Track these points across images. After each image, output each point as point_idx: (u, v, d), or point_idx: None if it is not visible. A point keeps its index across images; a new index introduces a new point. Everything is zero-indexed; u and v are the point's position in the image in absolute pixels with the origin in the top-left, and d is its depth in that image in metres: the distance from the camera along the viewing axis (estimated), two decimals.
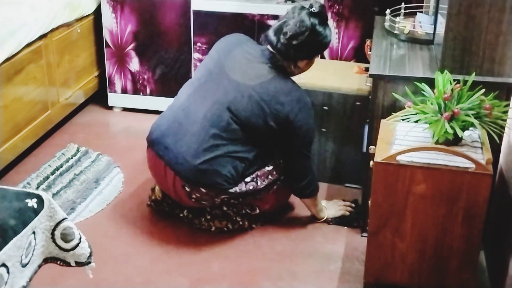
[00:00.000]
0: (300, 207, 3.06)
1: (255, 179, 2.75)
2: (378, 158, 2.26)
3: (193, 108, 2.72)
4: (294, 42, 2.64)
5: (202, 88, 2.75)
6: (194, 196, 2.72)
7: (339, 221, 2.95)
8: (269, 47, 2.72)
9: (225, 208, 2.84)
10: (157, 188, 2.96)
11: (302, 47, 2.65)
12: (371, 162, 2.30)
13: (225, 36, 2.95)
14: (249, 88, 2.65)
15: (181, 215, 2.90)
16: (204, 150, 2.64)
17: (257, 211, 2.88)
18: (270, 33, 2.71)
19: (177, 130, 2.71)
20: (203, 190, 2.68)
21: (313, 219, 2.96)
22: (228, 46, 2.84)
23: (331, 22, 3.62)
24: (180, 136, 2.69)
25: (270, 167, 2.79)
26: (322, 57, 3.67)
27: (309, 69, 2.80)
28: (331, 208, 2.98)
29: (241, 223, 2.86)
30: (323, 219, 2.94)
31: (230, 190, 2.70)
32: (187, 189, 2.70)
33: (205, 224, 2.86)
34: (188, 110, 2.73)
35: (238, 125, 2.65)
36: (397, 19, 3.02)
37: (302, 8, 2.67)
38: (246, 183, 2.74)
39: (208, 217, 2.85)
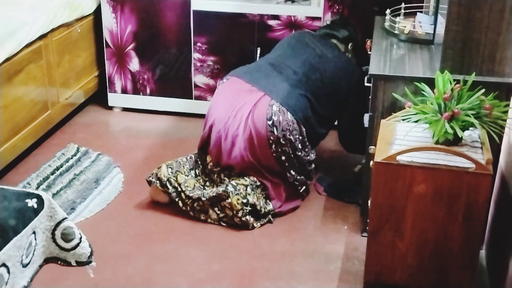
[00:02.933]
0: (300, 208, 3.07)
1: (310, 150, 3.04)
2: (378, 158, 2.26)
3: (285, 60, 3.10)
4: (343, 25, 3.35)
5: (289, 51, 3.15)
6: (275, 118, 2.87)
7: (333, 193, 3.16)
8: (332, 40, 3.27)
9: (248, 190, 2.89)
10: (163, 167, 3.00)
11: (349, 30, 3.34)
12: (371, 162, 2.30)
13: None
14: (327, 55, 3.13)
15: (184, 203, 2.94)
16: (300, 87, 2.99)
17: (270, 205, 2.95)
18: (329, 28, 3.32)
19: (269, 70, 3.06)
20: (289, 116, 2.90)
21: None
22: (300, 34, 3.31)
23: None
24: (273, 73, 3.03)
25: (313, 156, 3.08)
26: None
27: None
28: None
29: (248, 217, 2.87)
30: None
31: (302, 135, 2.95)
32: (273, 108, 2.89)
33: (223, 193, 2.88)
34: (278, 61, 3.10)
35: (321, 83, 3.03)
36: (397, 19, 3.02)
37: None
38: (308, 144, 3.03)
39: (231, 189, 2.87)
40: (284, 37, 3.37)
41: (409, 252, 2.34)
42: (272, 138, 2.89)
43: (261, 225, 2.92)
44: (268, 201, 2.97)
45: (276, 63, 3.10)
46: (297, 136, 2.94)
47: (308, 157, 3.04)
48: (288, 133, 2.90)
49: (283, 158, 2.94)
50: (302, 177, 3.04)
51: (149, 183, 3.04)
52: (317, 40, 3.21)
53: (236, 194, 2.87)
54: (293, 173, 3.00)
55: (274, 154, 2.92)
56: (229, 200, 2.86)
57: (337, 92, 3.09)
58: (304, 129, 2.97)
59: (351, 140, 3.23)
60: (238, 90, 3.00)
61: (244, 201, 2.87)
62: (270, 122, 2.87)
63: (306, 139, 3.00)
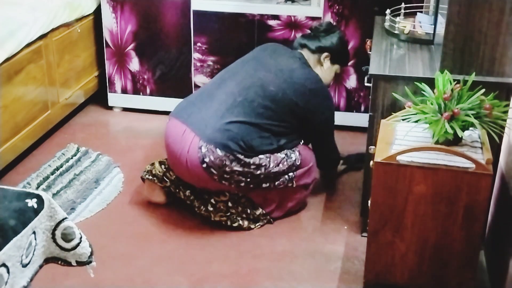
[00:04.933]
0: (300, 208, 3.07)
1: (268, 159, 2.80)
2: (378, 158, 2.26)
3: (224, 82, 2.94)
4: (323, 33, 3.07)
5: (233, 70, 3.01)
6: (207, 160, 2.73)
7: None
8: (300, 50, 3.04)
9: (230, 204, 2.86)
10: (156, 164, 3.01)
11: (329, 39, 3.05)
12: (371, 162, 2.30)
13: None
14: (279, 71, 2.90)
15: (185, 194, 2.93)
16: (230, 113, 2.79)
17: (259, 210, 2.89)
18: (305, 37, 3.09)
19: (204, 99, 2.91)
20: (219, 152, 2.72)
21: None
22: (263, 46, 3.15)
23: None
24: (207, 103, 2.87)
25: (283, 155, 2.84)
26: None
27: (331, 79, 3.13)
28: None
29: (240, 222, 2.87)
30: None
31: (244, 160, 2.74)
32: (202, 150, 2.74)
33: (206, 214, 2.88)
34: (218, 84, 2.95)
35: (263, 100, 2.82)
36: (397, 19, 3.02)
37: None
38: (260, 159, 2.79)
39: (211, 208, 2.87)
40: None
41: (409, 252, 2.34)
42: (215, 177, 2.76)
43: (261, 225, 2.92)
44: (256, 206, 2.90)
45: (216, 87, 2.92)
46: (239, 165, 2.74)
47: (269, 166, 2.80)
48: (227, 168, 2.73)
49: (243, 184, 2.80)
50: (285, 176, 2.87)
51: (144, 180, 3.04)
52: (278, 52, 3.01)
53: (218, 212, 2.87)
54: (267, 184, 2.84)
55: (232, 185, 2.81)
56: (212, 219, 2.87)
57: (288, 105, 2.84)
58: (243, 157, 2.74)
59: (325, 161, 3.14)
60: (175, 136, 2.86)
61: (228, 214, 2.87)
62: (204, 166, 2.74)
63: (253, 160, 2.76)
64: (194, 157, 2.77)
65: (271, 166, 2.81)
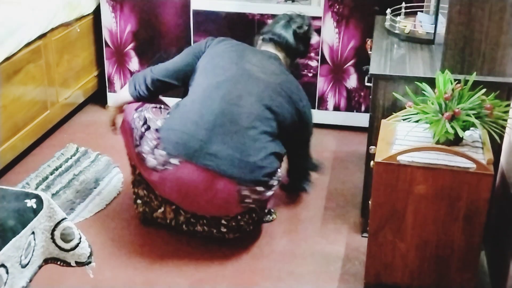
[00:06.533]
0: (300, 208, 3.06)
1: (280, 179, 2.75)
2: (378, 158, 2.26)
3: (232, 109, 2.64)
4: (304, 35, 2.97)
5: (234, 90, 2.69)
6: (247, 200, 2.61)
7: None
8: (272, 49, 2.92)
9: (239, 217, 2.72)
10: (139, 202, 2.85)
11: (307, 42, 3.01)
12: (372, 162, 2.29)
13: (221, 40, 2.97)
14: (277, 85, 2.76)
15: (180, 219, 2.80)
16: (256, 148, 2.61)
17: (269, 215, 2.93)
18: (279, 31, 2.94)
19: (222, 134, 2.60)
20: (260, 188, 2.61)
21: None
22: (237, 50, 2.87)
23: (331, 22, 3.62)
24: (227, 139, 2.59)
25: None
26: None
27: None
28: None
29: (248, 229, 2.80)
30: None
31: (274, 187, 2.69)
32: (243, 193, 2.58)
33: (218, 235, 2.77)
34: (227, 112, 2.63)
35: (275, 121, 2.71)
36: (398, 18, 3.02)
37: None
38: (278, 177, 2.71)
39: (224, 230, 2.73)
40: (222, 48, 2.90)
41: (410, 252, 2.34)
42: (251, 206, 2.70)
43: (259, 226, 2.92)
44: (258, 212, 2.79)
45: (227, 117, 2.63)
46: (272, 188, 2.69)
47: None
48: (264, 197, 2.67)
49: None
50: (279, 174, 2.73)
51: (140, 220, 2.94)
52: (262, 57, 2.86)
53: (231, 231, 2.74)
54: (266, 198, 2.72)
55: (239, 217, 2.73)
56: (227, 237, 2.77)
57: (291, 126, 2.79)
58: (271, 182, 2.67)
59: (300, 179, 3.02)
60: (198, 185, 2.59)
61: (240, 230, 2.76)
62: (243, 205, 2.64)
63: (276, 181, 2.72)
64: (232, 200, 2.61)
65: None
